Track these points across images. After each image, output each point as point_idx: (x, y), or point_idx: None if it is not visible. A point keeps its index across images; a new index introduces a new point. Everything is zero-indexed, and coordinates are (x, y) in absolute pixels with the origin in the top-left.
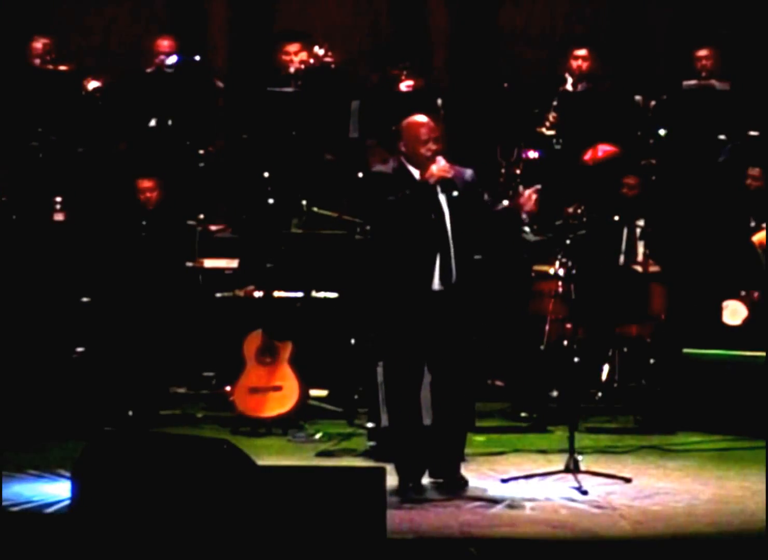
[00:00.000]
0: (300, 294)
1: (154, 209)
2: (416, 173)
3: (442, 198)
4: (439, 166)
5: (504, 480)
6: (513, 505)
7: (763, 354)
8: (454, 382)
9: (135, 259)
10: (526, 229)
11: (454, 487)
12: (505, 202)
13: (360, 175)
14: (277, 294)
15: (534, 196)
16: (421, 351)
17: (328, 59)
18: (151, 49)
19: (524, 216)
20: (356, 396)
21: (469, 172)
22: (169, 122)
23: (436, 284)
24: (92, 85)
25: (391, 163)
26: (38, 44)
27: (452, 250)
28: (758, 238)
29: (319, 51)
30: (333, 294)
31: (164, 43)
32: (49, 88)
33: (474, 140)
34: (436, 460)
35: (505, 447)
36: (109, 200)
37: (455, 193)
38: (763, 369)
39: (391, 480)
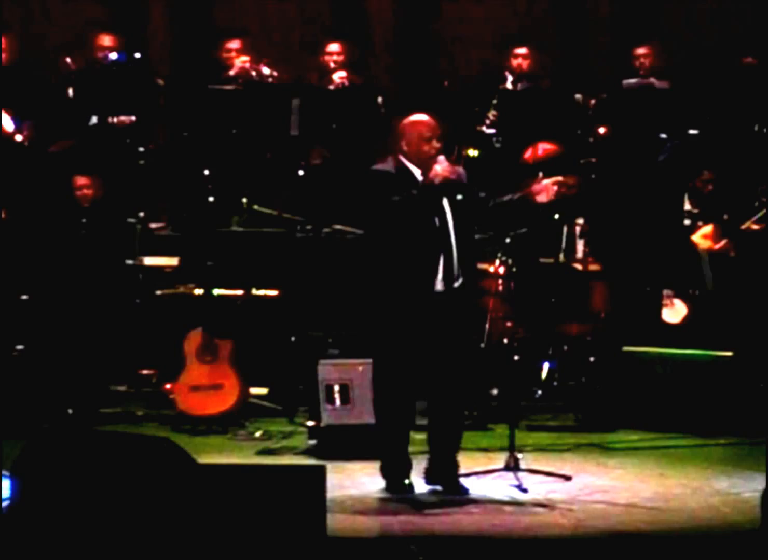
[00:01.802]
0: (240, 292)
1: (90, 206)
2: (417, 173)
3: (445, 199)
4: (443, 166)
5: None
6: (453, 503)
7: (702, 352)
8: (453, 385)
9: (74, 256)
10: None
11: (455, 493)
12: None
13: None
14: (217, 292)
15: (553, 188)
16: (417, 352)
17: (270, 80)
18: (92, 45)
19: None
20: (297, 395)
21: (461, 170)
22: (110, 120)
23: (439, 285)
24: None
25: (390, 162)
26: None
27: (455, 251)
28: (702, 233)
29: (265, 70)
30: (273, 292)
31: (105, 40)
32: None
33: None
34: (434, 466)
35: None
36: (48, 198)
37: (459, 197)
38: (702, 367)
39: (333, 478)
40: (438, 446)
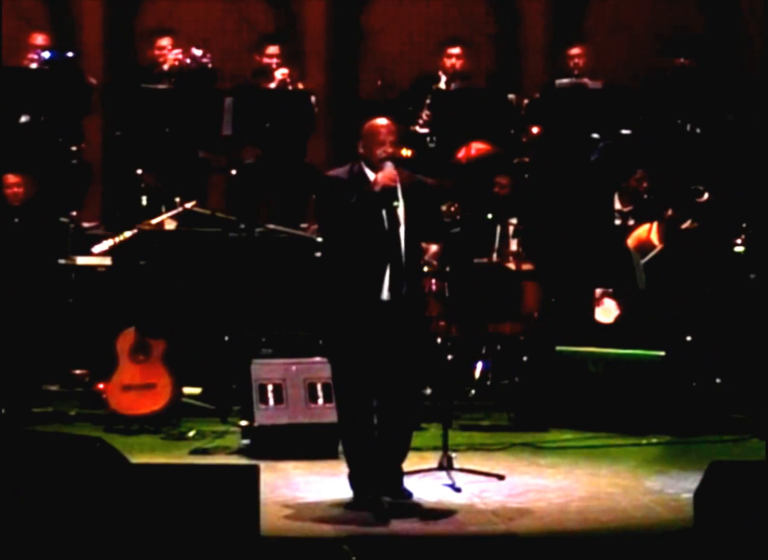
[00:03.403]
0: (173, 292)
1: (21, 205)
2: (372, 177)
3: (400, 206)
4: (385, 173)
5: None
6: (386, 503)
7: (635, 351)
8: (401, 393)
9: (5, 255)
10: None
11: (398, 498)
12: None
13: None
14: (150, 291)
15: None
16: (369, 359)
17: (205, 60)
18: (24, 44)
19: None
20: (230, 394)
21: (429, 181)
22: (42, 119)
23: (385, 294)
24: None
25: (348, 167)
26: None
27: (403, 260)
28: (637, 235)
29: (196, 52)
30: (206, 292)
31: (38, 39)
32: None
33: (347, 138)
34: (381, 473)
35: None
36: None
37: (396, 203)
38: (634, 366)
39: (266, 478)
40: (384, 453)
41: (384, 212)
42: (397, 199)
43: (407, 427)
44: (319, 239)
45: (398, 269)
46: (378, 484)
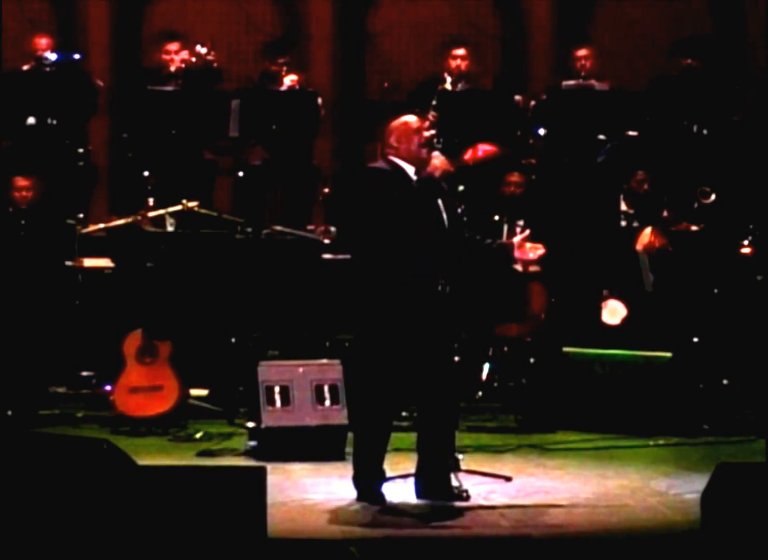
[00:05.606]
0: (179, 294)
1: (28, 208)
2: (410, 170)
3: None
4: (441, 160)
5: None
6: (393, 505)
7: (641, 353)
8: (446, 387)
9: (12, 257)
10: None
11: (452, 500)
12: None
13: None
14: (156, 293)
15: (535, 253)
16: (421, 351)
17: (210, 58)
18: (29, 47)
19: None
20: (237, 396)
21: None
22: (49, 121)
23: (441, 285)
24: None
25: (382, 162)
26: None
27: (451, 250)
28: (642, 240)
29: (201, 49)
30: (213, 293)
31: (42, 41)
32: None
33: (353, 139)
34: (427, 476)
35: None
36: None
37: (461, 188)
38: (641, 368)
39: (273, 480)
40: (431, 454)
41: (435, 200)
42: (460, 184)
43: (452, 425)
44: (349, 237)
45: (449, 258)
46: (381, 483)
